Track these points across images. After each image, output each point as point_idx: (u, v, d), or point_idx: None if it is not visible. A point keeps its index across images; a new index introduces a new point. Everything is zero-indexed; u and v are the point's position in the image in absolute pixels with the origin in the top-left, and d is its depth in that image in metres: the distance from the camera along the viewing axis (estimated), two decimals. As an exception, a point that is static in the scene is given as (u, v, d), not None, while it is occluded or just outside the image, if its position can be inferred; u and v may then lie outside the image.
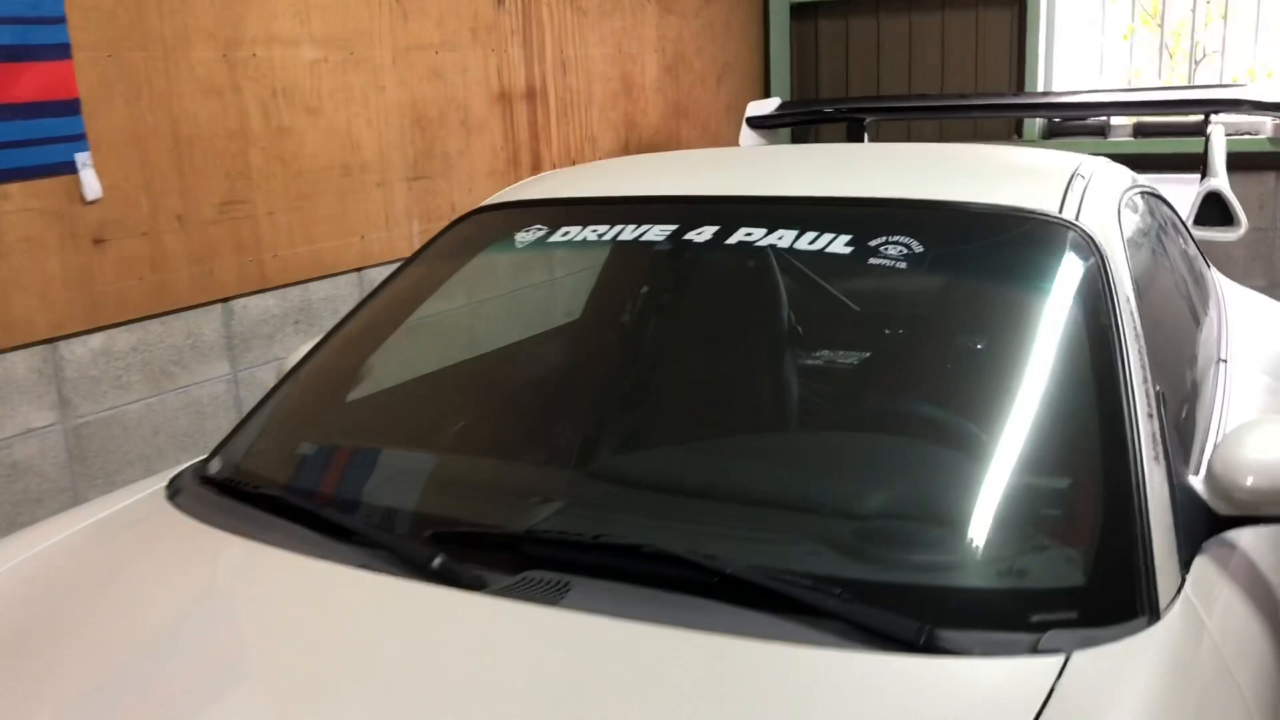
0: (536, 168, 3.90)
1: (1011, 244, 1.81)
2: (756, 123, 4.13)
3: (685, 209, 2.12)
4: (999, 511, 1.40)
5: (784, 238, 1.92)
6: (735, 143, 4.63)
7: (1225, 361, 2.25)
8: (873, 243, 1.87)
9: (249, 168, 2.90)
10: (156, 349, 2.72)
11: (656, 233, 2.05)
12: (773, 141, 4.08)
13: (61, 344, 2.51)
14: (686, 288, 2.19)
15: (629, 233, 2.08)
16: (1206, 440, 1.81)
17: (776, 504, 1.53)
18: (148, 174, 2.65)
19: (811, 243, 1.90)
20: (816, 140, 5.20)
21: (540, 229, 2.23)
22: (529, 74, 3.85)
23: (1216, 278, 2.75)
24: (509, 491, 1.73)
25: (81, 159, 2.50)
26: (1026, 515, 1.40)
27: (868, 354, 2.10)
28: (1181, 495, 1.41)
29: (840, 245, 1.88)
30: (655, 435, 1.89)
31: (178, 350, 2.77)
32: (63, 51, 2.44)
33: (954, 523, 1.42)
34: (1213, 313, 2.43)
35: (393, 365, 2.27)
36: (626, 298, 2.26)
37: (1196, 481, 1.47)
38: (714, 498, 1.57)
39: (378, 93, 3.26)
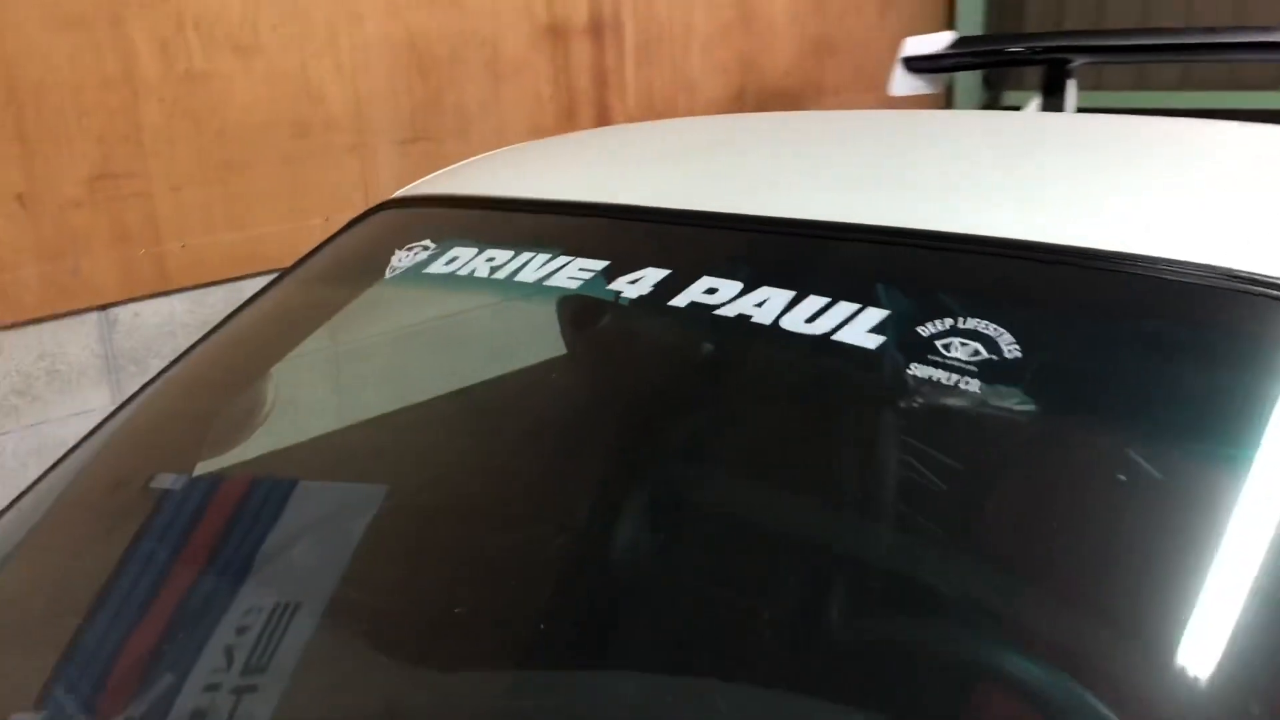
0: (603, 124, 2.98)
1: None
2: (917, 65, 3.04)
3: (629, 232, 1.23)
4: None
5: (767, 305, 0.99)
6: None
7: None
8: (926, 329, 0.92)
9: (138, 129, 2.12)
10: (-15, 376, 2.00)
11: (572, 273, 1.17)
12: (943, 90, 3.01)
13: None
14: (591, 380, 1.26)
15: (533, 269, 1.22)
16: None
17: None
18: (-38, 138, 1.91)
19: (810, 320, 0.94)
20: (1018, 89, 4.01)
21: (423, 249, 1.39)
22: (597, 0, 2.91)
23: None
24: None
25: None
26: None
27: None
28: None
29: (860, 330, 0.91)
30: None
31: (23, 376, 2.04)
32: None
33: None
34: None
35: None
36: (495, 386, 1.35)
37: None
38: None
39: (353, 24, 2.41)
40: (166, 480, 1.30)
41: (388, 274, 1.38)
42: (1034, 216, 0.98)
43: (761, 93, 3.43)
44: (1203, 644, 0.72)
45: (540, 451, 1.23)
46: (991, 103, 4.17)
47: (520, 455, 1.26)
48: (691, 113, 3.21)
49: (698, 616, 0.94)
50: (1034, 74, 3.32)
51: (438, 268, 1.32)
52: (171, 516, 1.25)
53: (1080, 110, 2.86)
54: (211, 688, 0.96)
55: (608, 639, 0.96)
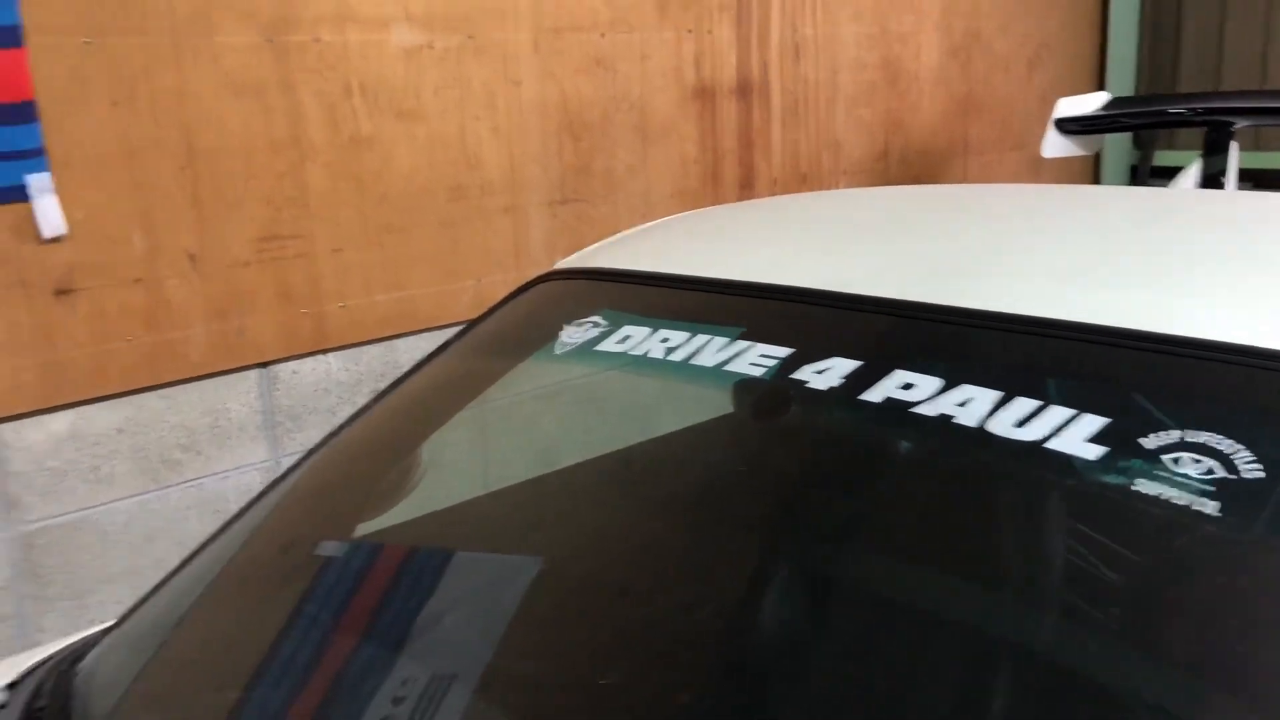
0: (747, 185, 2.96)
1: None
2: (1070, 126, 2.97)
3: (812, 317, 1.20)
4: None
5: (972, 405, 0.95)
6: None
7: None
8: (1150, 441, 0.86)
9: (304, 192, 2.17)
10: (155, 430, 2.05)
11: (753, 359, 1.15)
12: (1096, 153, 2.93)
13: (3, 428, 1.89)
14: (774, 480, 1.21)
15: (711, 352, 1.20)
16: None
17: None
18: (143, 201, 1.98)
19: (1021, 424, 0.90)
20: (1169, 148, 3.87)
21: (593, 325, 1.38)
22: (743, 61, 2.91)
23: None
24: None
25: (36, 182, 1.85)
26: None
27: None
28: None
29: (1077, 438, 0.89)
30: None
31: (189, 431, 2.10)
32: (9, 37, 1.80)
33: None
34: None
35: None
36: (675, 479, 1.32)
37: None
38: None
39: (510, 89, 2.45)
40: (331, 547, 1.31)
41: (557, 349, 1.37)
42: (1275, 321, 0.91)
43: (906, 151, 3.38)
44: None
45: (710, 533, 1.20)
46: (1142, 164, 4.03)
47: (684, 532, 1.23)
48: (836, 172, 3.17)
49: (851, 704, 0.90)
50: (1188, 134, 3.20)
51: (610, 345, 1.30)
52: (333, 584, 1.25)
53: (1241, 171, 2.73)
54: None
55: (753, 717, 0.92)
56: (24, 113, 1.82)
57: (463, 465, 1.57)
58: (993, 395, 0.93)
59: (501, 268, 2.49)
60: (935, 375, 0.98)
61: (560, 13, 2.51)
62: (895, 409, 0.97)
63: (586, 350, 1.32)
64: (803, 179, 3.09)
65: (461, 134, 2.38)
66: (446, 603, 1.16)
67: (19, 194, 1.84)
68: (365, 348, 2.31)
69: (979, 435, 0.91)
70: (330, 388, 2.27)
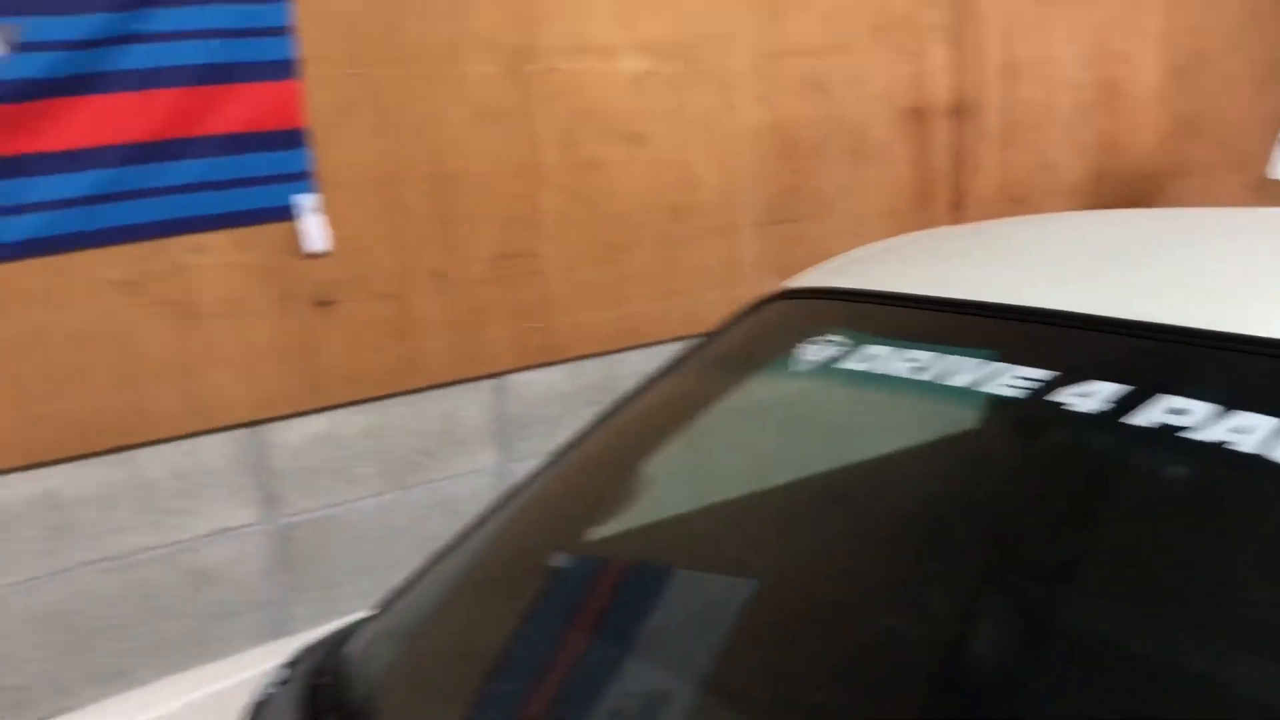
0: (957, 207, 2.94)
1: None
2: (1303, 148, 2.85)
3: (1071, 340, 1.19)
4: None
5: (1252, 432, 0.95)
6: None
7: None
8: None
9: (537, 212, 2.29)
10: (398, 434, 2.20)
11: (1009, 380, 1.15)
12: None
13: (268, 428, 2.05)
14: (1038, 503, 1.22)
15: (963, 374, 1.20)
16: None
17: None
18: (396, 220, 2.12)
19: None
20: None
21: (831, 343, 1.40)
22: (959, 82, 2.89)
23: None
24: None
25: (304, 202, 2.02)
26: None
27: None
28: None
29: None
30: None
31: (427, 436, 2.23)
32: (286, 70, 1.97)
33: None
34: None
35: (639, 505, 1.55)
36: (920, 495, 1.33)
37: None
38: None
39: (726, 113, 2.51)
40: (562, 559, 1.36)
41: (796, 366, 1.39)
42: None
43: (1123, 173, 3.29)
44: None
45: (955, 557, 1.21)
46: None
47: (923, 553, 1.24)
48: (1050, 194, 3.12)
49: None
50: None
51: (853, 363, 1.31)
52: (563, 592, 1.31)
53: None
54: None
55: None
56: (296, 139, 1.99)
57: (702, 478, 1.61)
58: (1272, 423, 0.92)
59: (715, 286, 2.55)
60: (1207, 401, 0.97)
61: (778, 38, 2.56)
62: (1165, 434, 0.96)
63: (828, 368, 1.34)
64: (1016, 201, 3.05)
65: (682, 156, 2.46)
66: (669, 618, 1.21)
67: (287, 213, 2.01)
68: (587, 361, 2.41)
69: (1261, 463, 0.90)
70: (554, 398, 2.38)
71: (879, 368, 1.26)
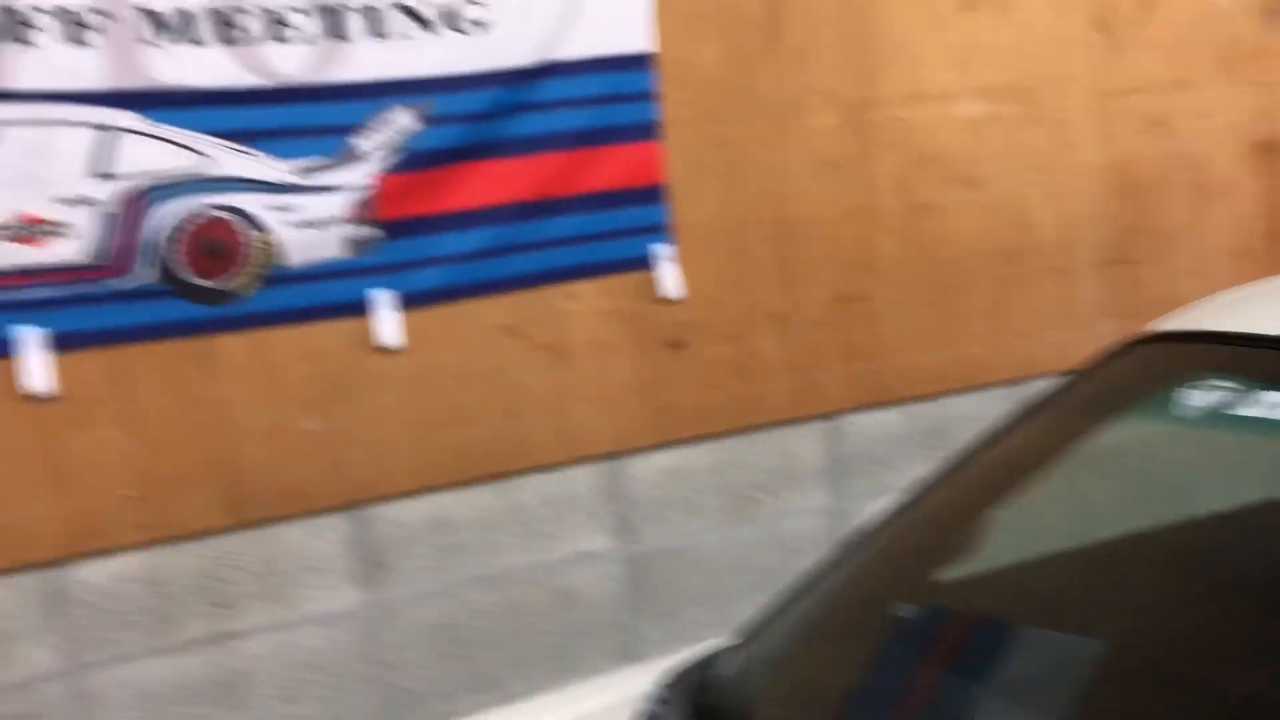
0: (1313, 244, 2.77)
1: None
2: None
3: None
4: None
5: None
6: None
7: None
8: None
9: (872, 256, 2.35)
10: (738, 470, 2.31)
11: None
12: None
13: (625, 460, 2.21)
14: None
15: None
16: None
17: None
18: (741, 267, 2.24)
19: None
20: None
21: (1218, 389, 1.38)
22: (1313, 113, 2.74)
23: None
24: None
25: (661, 252, 2.17)
26: None
27: None
28: None
29: None
30: None
31: (765, 473, 2.33)
32: (650, 132, 2.13)
33: None
34: None
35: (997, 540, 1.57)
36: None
37: None
38: None
39: (1064, 153, 2.49)
40: (903, 609, 1.38)
41: (1180, 411, 1.37)
42: None
43: None
44: None
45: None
46: None
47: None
48: None
49: None
50: None
51: (1243, 409, 1.29)
52: (907, 640, 1.32)
53: None
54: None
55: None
56: (656, 194, 2.15)
57: (1071, 523, 1.61)
58: None
59: (1045, 327, 2.53)
60: None
61: (1118, 76, 2.52)
62: None
63: (1216, 414, 1.32)
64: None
65: (1018, 198, 2.46)
66: (1007, 678, 1.20)
67: (646, 263, 2.16)
68: (918, 404, 2.44)
69: None
70: (885, 440, 2.42)
71: (1274, 414, 1.24)
